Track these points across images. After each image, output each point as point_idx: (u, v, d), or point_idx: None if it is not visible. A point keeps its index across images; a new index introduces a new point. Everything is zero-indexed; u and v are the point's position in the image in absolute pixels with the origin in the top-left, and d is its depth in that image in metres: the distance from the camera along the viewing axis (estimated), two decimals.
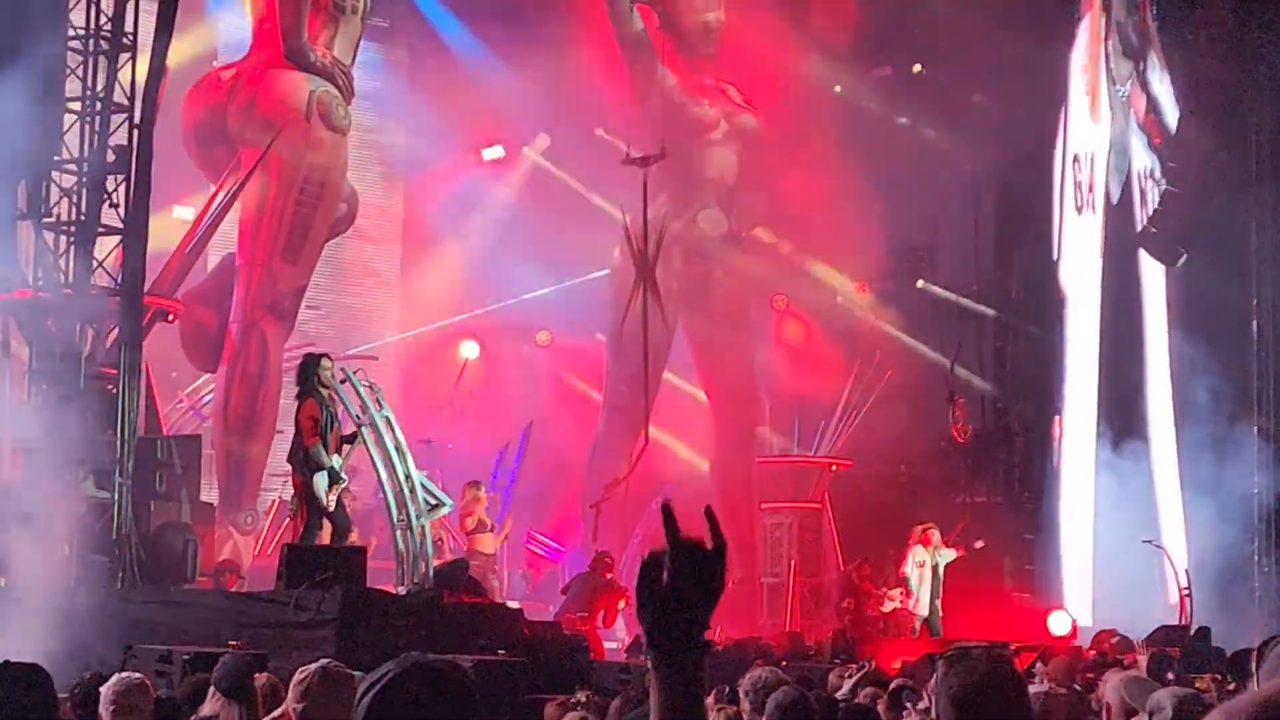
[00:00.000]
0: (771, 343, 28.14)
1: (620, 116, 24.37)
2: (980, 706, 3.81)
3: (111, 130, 17.79)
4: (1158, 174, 25.05)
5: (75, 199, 17.75)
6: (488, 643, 14.41)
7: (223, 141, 23.98)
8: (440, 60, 27.08)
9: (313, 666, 5.10)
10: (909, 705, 7.69)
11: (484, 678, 12.05)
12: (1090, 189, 26.09)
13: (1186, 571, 22.48)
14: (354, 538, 17.25)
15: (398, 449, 16.57)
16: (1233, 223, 24.43)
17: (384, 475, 16.57)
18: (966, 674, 3.84)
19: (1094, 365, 26.03)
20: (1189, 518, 23.96)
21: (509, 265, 27.27)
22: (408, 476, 16.54)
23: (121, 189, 17.72)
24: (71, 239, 17.77)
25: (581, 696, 10.12)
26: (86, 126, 17.81)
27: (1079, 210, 26.20)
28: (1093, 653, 17.67)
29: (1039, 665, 16.76)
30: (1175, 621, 21.15)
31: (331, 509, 15.63)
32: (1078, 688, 10.93)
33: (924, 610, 21.51)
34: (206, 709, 7.10)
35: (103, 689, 6.90)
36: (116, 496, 16.65)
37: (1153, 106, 25.25)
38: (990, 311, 27.46)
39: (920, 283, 27.58)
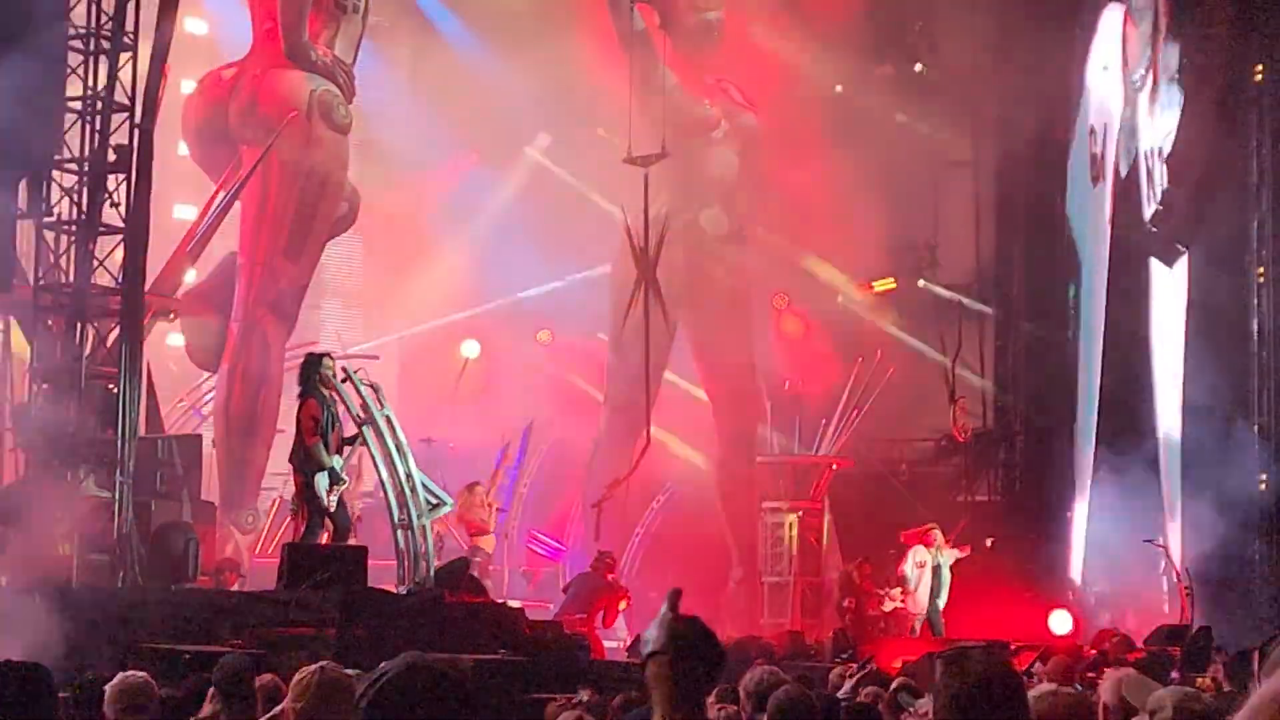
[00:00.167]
0: (772, 342, 28.15)
1: (621, 116, 24.34)
2: (978, 707, 3.80)
3: (112, 129, 17.79)
4: (1164, 152, 25.01)
5: (76, 198, 17.74)
6: (488, 642, 14.41)
7: (224, 140, 23.99)
8: (441, 59, 27.08)
9: (311, 667, 5.09)
10: (910, 704, 7.68)
11: (485, 677, 12.04)
12: (1102, 159, 26.09)
13: (1188, 571, 22.47)
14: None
15: (398, 448, 16.56)
16: (1233, 222, 24.42)
17: (385, 474, 16.56)
18: (964, 674, 3.84)
19: (1097, 364, 26.03)
20: (1189, 517, 23.95)
21: (510, 264, 27.26)
22: (409, 476, 16.53)
23: (122, 188, 17.71)
24: (72, 238, 17.77)
25: (584, 696, 10.13)
26: (87, 125, 17.80)
27: (1094, 181, 26.16)
28: (1093, 652, 17.67)
29: (1038, 664, 16.78)
30: (1176, 621, 21.15)
31: (333, 509, 15.62)
32: (1078, 687, 10.92)
33: (922, 609, 21.50)
34: (206, 709, 7.09)
35: (107, 687, 6.89)
36: (117, 495, 16.65)
37: (1160, 97, 25.28)
38: (991, 310, 27.45)
39: (921, 282, 27.58)
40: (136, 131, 17.70)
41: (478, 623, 15.10)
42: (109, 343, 17.58)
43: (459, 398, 27.40)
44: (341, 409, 16.10)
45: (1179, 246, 24.95)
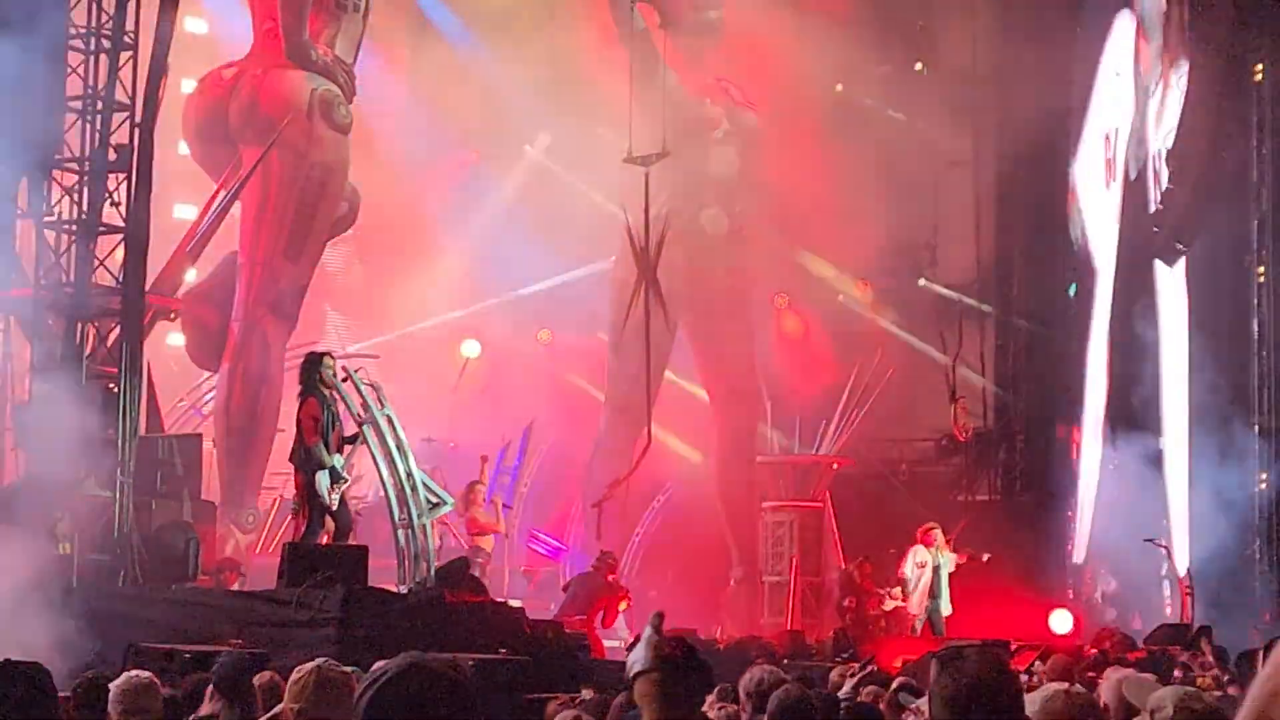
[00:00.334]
0: (773, 341, 28.16)
1: (621, 115, 24.34)
2: (974, 707, 3.79)
3: (113, 129, 17.79)
4: (1165, 153, 25.00)
5: (77, 197, 17.75)
6: (489, 641, 14.40)
7: (224, 140, 23.99)
8: (442, 58, 27.08)
9: (309, 666, 5.09)
10: (910, 703, 7.68)
11: (485, 677, 12.04)
12: (1113, 163, 26.10)
13: (1189, 570, 22.47)
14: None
15: (399, 447, 16.55)
16: (1233, 222, 24.42)
17: (385, 474, 16.56)
18: (960, 674, 3.83)
19: (1101, 363, 26.04)
20: (1190, 517, 23.95)
21: (510, 263, 27.27)
22: (409, 475, 16.53)
23: (123, 187, 17.72)
24: (73, 237, 17.77)
25: (586, 695, 10.12)
26: (88, 125, 17.81)
27: (1106, 185, 26.17)
28: (1093, 652, 17.66)
29: (1038, 664, 16.77)
30: (1177, 620, 21.15)
31: (334, 508, 15.61)
32: (1079, 688, 10.91)
33: (922, 610, 21.48)
34: (206, 708, 7.09)
35: (111, 686, 6.89)
36: (118, 495, 16.65)
37: (1168, 101, 25.29)
38: (991, 309, 27.45)
39: (922, 281, 27.58)
40: (137, 131, 17.72)
41: (478, 622, 15.09)
42: (109, 342, 17.59)
43: (459, 397, 27.41)
44: (342, 408, 16.10)
45: (1179, 246, 24.95)
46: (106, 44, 17.89)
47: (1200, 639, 17.51)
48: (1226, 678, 13.18)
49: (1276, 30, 24.37)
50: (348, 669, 5.21)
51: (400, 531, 16.58)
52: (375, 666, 3.20)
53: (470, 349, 28.07)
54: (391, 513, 16.68)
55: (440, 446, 24.78)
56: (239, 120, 23.89)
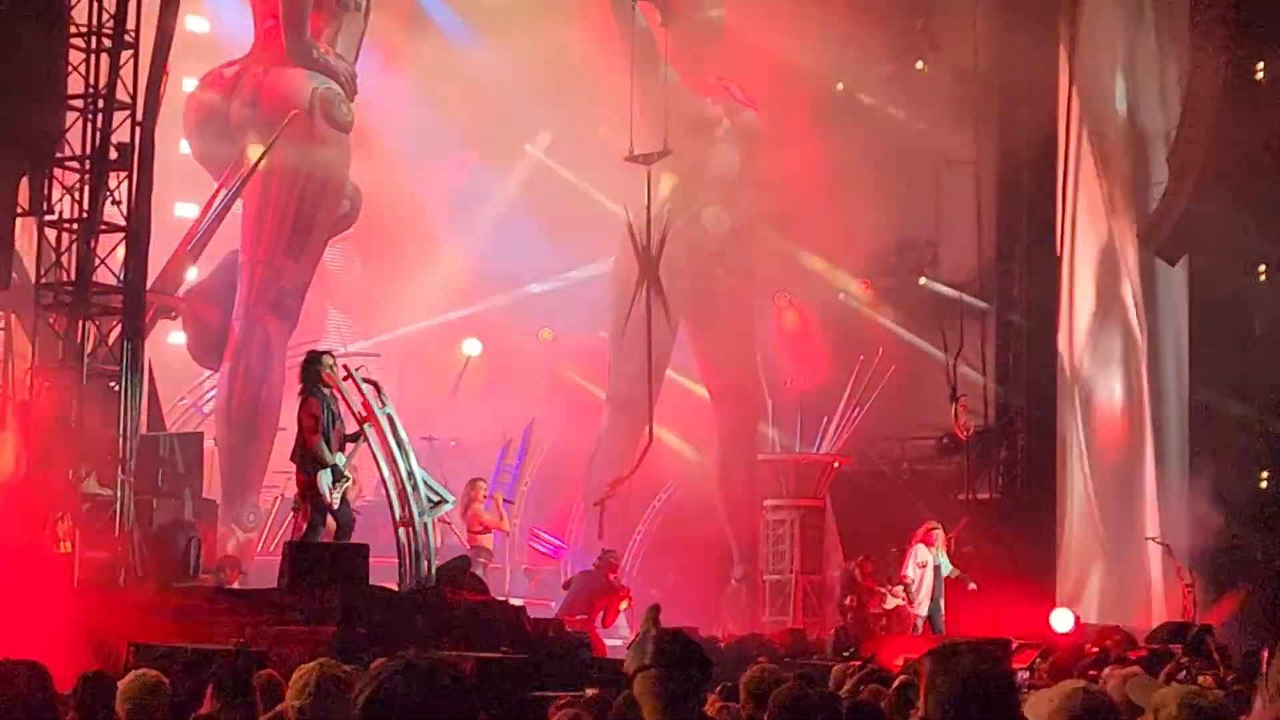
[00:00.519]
0: (774, 339, 28.15)
1: (622, 114, 24.33)
2: (968, 705, 3.78)
3: (114, 127, 17.79)
4: (1165, 151, 24.96)
5: (78, 196, 17.75)
6: (490, 640, 14.40)
7: (225, 138, 23.98)
8: (442, 57, 27.05)
9: (310, 665, 5.09)
10: (913, 703, 7.68)
11: (486, 675, 12.03)
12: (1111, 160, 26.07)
13: (1190, 569, 22.47)
14: None
15: (400, 446, 16.54)
16: (1234, 220, 24.39)
17: (386, 472, 16.54)
18: (954, 672, 3.82)
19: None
20: (1191, 515, 23.94)
21: (511, 262, 27.27)
22: (410, 474, 16.51)
23: (124, 186, 17.71)
24: (74, 236, 17.77)
25: (591, 693, 10.10)
26: (89, 123, 17.80)
27: (1097, 177, 26.12)
28: (1095, 650, 17.66)
29: (1039, 661, 16.77)
30: (1178, 619, 21.14)
31: (335, 506, 15.60)
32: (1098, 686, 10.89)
33: (925, 609, 21.49)
34: (206, 707, 7.09)
35: (120, 684, 6.89)
36: (119, 493, 16.66)
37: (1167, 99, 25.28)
38: (992, 308, 27.42)
39: (922, 279, 27.57)
40: (138, 129, 17.71)
41: (479, 621, 15.09)
42: (110, 341, 17.59)
43: (460, 396, 27.41)
44: (343, 406, 16.08)
45: (1180, 245, 24.93)
46: (108, 42, 17.89)
47: (1204, 638, 17.51)
48: (1231, 677, 13.17)
49: (1278, 28, 24.34)
50: (349, 668, 5.21)
51: (401, 530, 16.56)
52: (373, 666, 3.20)
53: (471, 348, 28.06)
54: (392, 511, 16.66)
55: (441, 445, 24.77)
56: (240, 119, 23.89)
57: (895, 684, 8.36)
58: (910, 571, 21.41)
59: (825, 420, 26.33)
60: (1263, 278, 24.59)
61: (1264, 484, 23.99)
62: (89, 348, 17.47)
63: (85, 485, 16.65)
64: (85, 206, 17.68)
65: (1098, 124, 25.98)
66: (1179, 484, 24.55)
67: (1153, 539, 23.31)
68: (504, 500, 22.81)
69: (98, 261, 17.60)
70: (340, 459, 15.65)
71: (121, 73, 17.85)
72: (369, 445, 16.50)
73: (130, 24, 17.90)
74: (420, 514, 16.38)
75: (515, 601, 18.21)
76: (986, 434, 26.96)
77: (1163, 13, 25.24)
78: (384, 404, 16.40)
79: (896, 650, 17.22)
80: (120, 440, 16.90)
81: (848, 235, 25.93)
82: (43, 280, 17.76)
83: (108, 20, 17.89)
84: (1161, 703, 5.06)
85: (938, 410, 26.34)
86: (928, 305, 27.43)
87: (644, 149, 24.64)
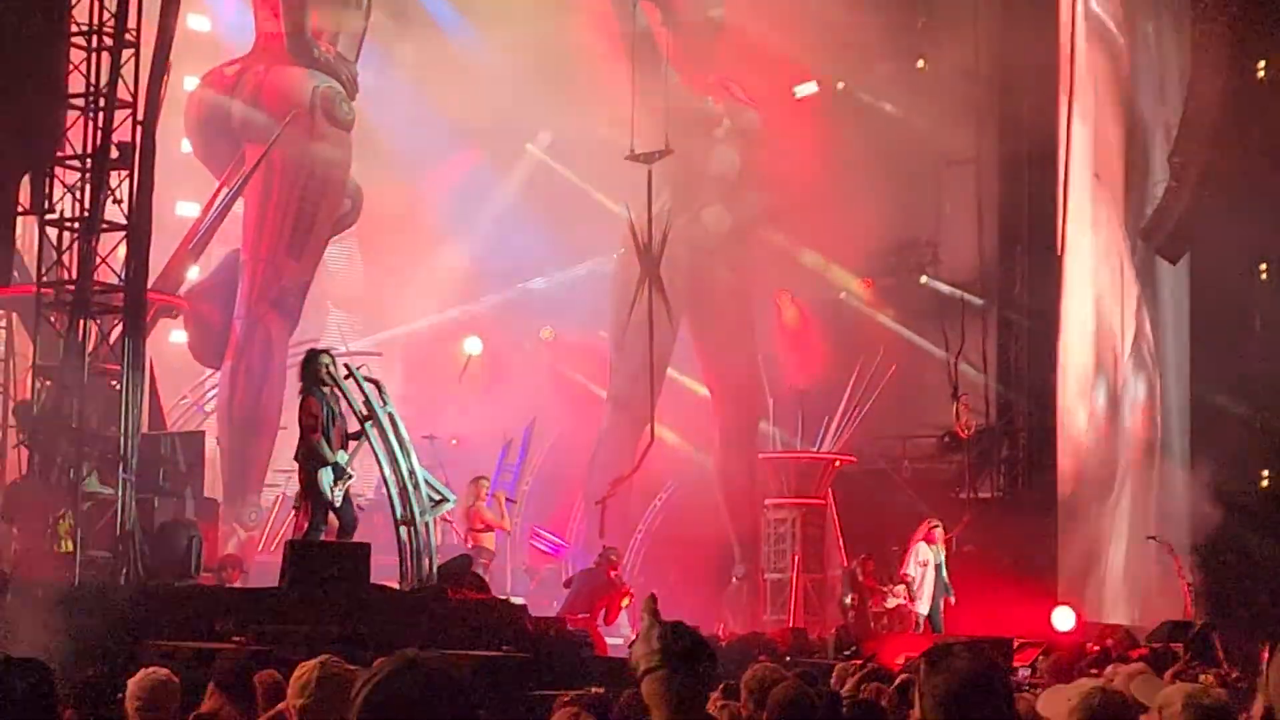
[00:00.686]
0: (775, 338, 28.15)
1: (623, 113, 24.33)
2: (964, 705, 3.77)
3: (115, 126, 17.77)
4: (1167, 150, 24.95)
5: (79, 194, 17.72)
6: (491, 639, 14.40)
7: (227, 137, 23.98)
8: (443, 55, 27.05)
9: (311, 663, 5.09)
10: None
11: (488, 674, 12.02)
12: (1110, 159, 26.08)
13: (1190, 567, 22.47)
14: None
15: (401, 445, 16.53)
16: (1235, 219, 24.40)
17: (387, 471, 16.54)
18: (949, 673, 3.80)
19: (1108, 363, 26.00)
20: (1191, 514, 23.94)
21: (512, 261, 27.27)
22: (411, 472, 16.51)
23: (125, 185, 17.69)
24: (75, 234, 17.75)
25: (596, 691, 10.09)
26: (90, 122, 17.78)
27: (1098, 175, 26.12)
28: (1096, 649, 17.66)
29: (1041, 660, 16.77)
30: (1179, 617, 21.15)
31: (337, 504, 15.60)
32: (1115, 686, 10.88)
33: (926, 608, 21.50)
34: (207, 705, 7.09)
35: (130, 683, 6.88)
36: (120, 492, 16.62)
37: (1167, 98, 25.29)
38: (993, 306, 27.42)
39: (923, 278, 27.56)
40: (139, 128, 17.69)
41: (480, 620, 15.09)
42: (112, 339, 17.55)
43: (462, 394, 27.41)
44: (344, 405, 16.08)
45: (1181, 244, 24.94)
46: (109, 41, 17.86)
47: (1208, 636, 17.53)
48: (1234, 674, 13.17)
49: (1276, 28, 24.35)
50: (350, 667, 5.21)
51: (402, 529, 16.56)
52: (373, 665, 3.20)
53: (472, 346, 28.06)
54: (394, 510, 16.67)
55: (442, 444, 24.77)
56: (241, 117, 23.90)
57: (896, 683, 8.36)
58: (911, 570, 21.42)
59: (826, 419, 26.33)
60: (1263, 276, 24.60)
61: (1264, 482, 23.98)
62: (90, 347, 17.43)
63: (86, 484, 16.63)
64: (86, 205, 17.64)
65: (1098, 123, 25.98)
66: (1179, 482, 24.55)
67: (1153, 538, 23.31)
68: (506, 499, 22.80)
69: (99, 260, 17.57)
70: (342, 456, 15.65)
71: (123, 71, 17.81)
72: (370, 444, 16.51)
73: (131, 23, 17.87)
74: (421, 513, 16.38)
75: (516, 600, 18.20)
76: (987, 432, 26.96)
77: (1164, 12, 25.24)
78: (385, 403, 16.40)
79: (898, 649, 17.24)
80: (121, 439, 16.86)
81: (849, 234, 25.92)
82: (44, 279, 17.74)
83: (109, 19, 17.86)
84: (1166, 701, 5.06)
85: (939, 409, 26.34)
86: (928, 304, 27.44)
87: (645, 148, 24.65)
